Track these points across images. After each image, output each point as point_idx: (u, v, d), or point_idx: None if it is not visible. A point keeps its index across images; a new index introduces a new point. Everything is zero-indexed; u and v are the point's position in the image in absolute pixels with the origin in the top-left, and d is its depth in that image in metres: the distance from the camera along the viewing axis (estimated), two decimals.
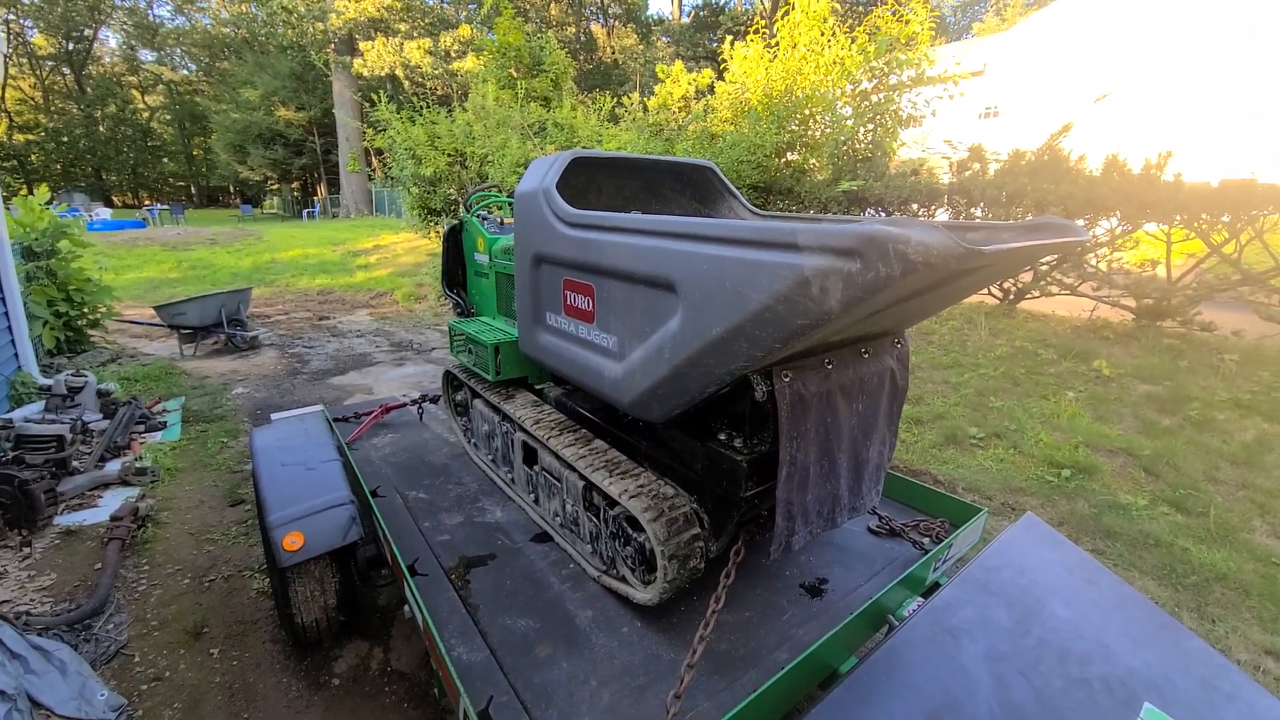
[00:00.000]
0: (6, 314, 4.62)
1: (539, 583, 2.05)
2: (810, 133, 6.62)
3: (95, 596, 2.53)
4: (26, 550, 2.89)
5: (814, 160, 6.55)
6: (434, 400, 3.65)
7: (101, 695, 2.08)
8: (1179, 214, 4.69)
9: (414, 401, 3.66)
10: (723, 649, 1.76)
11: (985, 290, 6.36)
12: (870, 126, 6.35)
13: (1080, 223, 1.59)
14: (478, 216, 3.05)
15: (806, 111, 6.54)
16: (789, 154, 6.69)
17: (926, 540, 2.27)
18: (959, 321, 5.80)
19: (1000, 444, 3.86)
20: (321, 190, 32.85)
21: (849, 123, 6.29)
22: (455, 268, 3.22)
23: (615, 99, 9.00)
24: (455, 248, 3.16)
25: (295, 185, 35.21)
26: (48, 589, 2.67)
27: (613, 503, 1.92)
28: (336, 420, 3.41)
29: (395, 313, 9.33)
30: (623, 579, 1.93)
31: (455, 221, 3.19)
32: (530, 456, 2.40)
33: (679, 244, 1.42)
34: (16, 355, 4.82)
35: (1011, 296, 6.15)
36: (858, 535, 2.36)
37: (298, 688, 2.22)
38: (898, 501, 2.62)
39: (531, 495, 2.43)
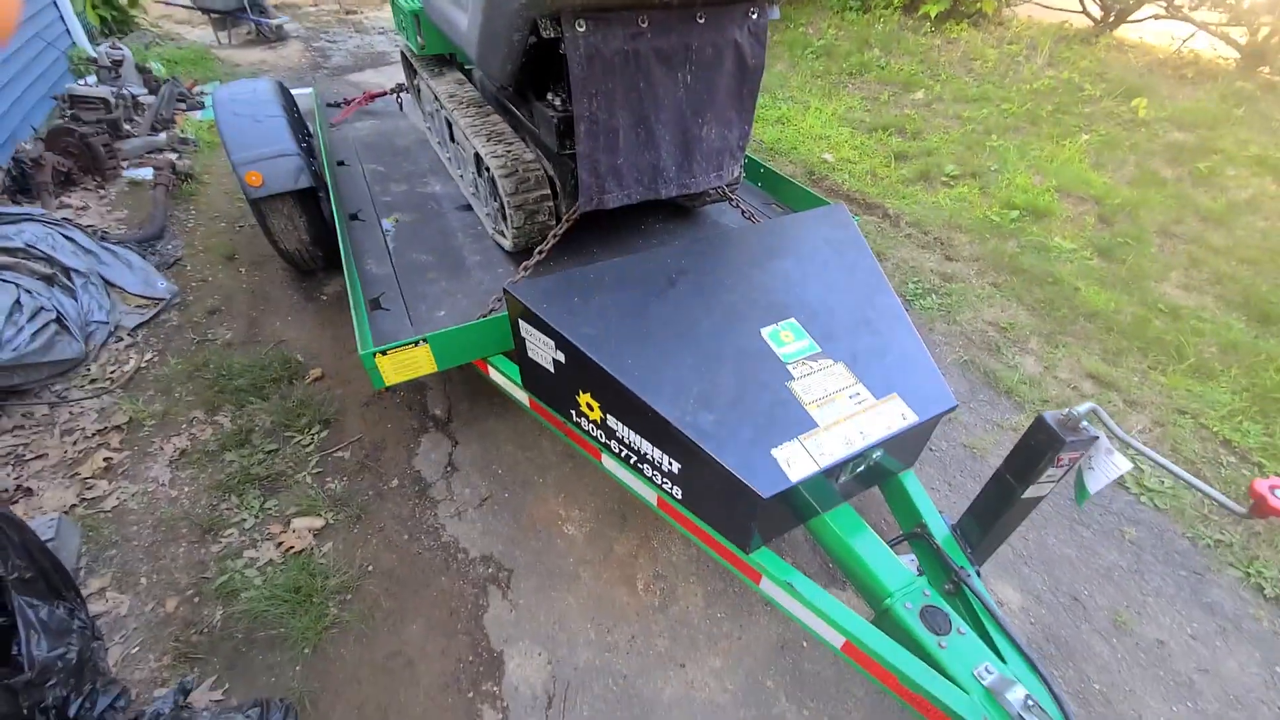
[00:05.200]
0: None
1: (449, 235, 2.53)
2: None
3: (153, 223, 3.33)
4: (102, 192, 3.68)
5: None
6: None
7: (162, 284, 2.95)
8: None
9: (394, 90, 3.85)
10: (568, 266, 2.23)
11: (1080, 7, 5.13)
12: None
13: None
14: None
15: None
16: None
17: None
18: (1021, 46, 4.88)
19: (971, 184, 3.72)
20: None
21: None
22: None
23: None
24: None
25: None
26: (121, 220, 3.50)
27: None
28: (329, 105, 3.72)
29: None
30: (500, 231, 2.37)
31: None
32: (453, 132, 2.67)
33: None
34: (69, 32, 5.17)
35: (1112, 18, 4.95)
36: (736, 220, 2.59)
37: (297, 298, 3.03)
38: (769, 195, 2.78)
39: (459, 171, 2.79)
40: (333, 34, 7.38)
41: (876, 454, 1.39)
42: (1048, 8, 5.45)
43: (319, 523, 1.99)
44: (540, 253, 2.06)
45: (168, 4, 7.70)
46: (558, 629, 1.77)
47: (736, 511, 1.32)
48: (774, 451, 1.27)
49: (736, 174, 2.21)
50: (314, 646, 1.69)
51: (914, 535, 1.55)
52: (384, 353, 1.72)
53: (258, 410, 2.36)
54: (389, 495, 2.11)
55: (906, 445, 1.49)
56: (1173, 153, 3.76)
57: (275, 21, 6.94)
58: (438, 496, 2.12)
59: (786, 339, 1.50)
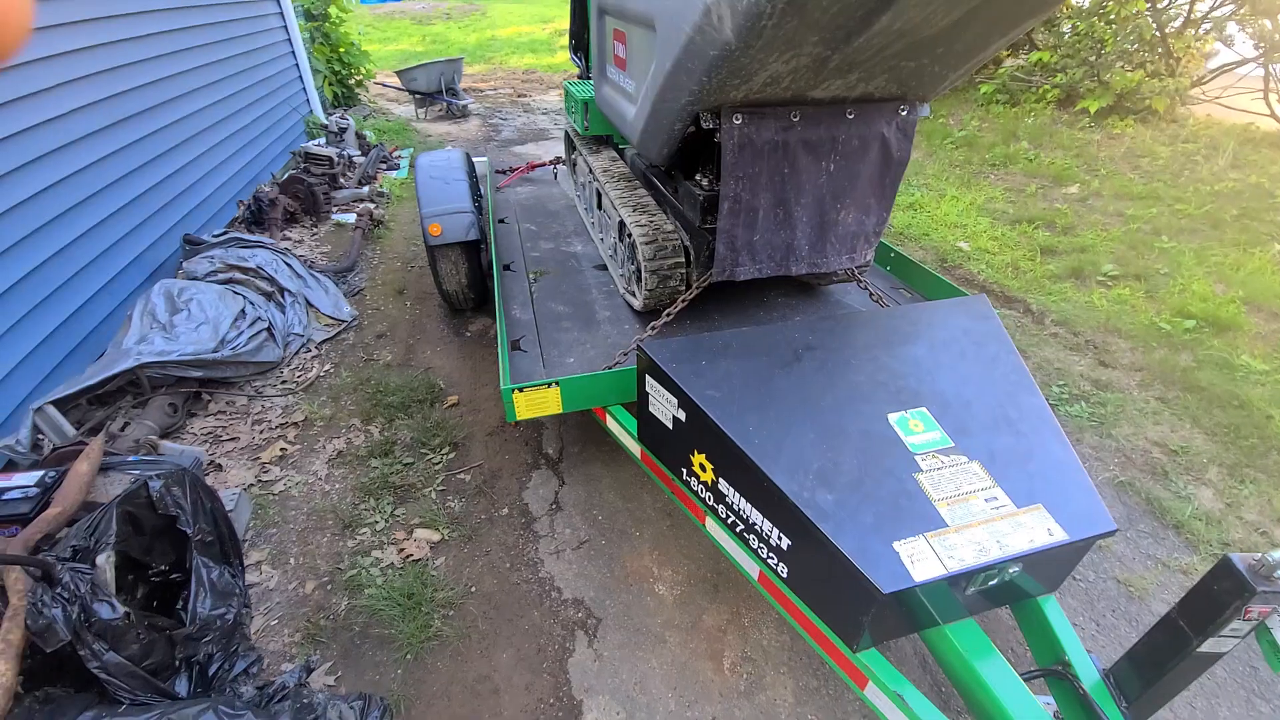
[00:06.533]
0: (298, 66, 6.16)
1: (584, 290, 2.77)
2: None
3: (348, 259, 3.97)
4: (315, 231, 4.48)
5: None
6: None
7: (346, 309, 3.48)
8: None
9: (551, 162, 4.38)
10: (690, 330, 2.34)
11: (1269, 110, 4.61)
12: None
13: None
14: None
15: None
16: None
17: None
18: (1199, 145, 4.45)
19: (1134, 286, 3.37)
20: None
21: None
22: (581, 30, 3.54)
23: None
24: (580, 9, 3.44)
25: None
26: (326, 253, 4.21)
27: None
28: (497, 172, 4.30)
29: None
30: (631, 292, 2.55)
31: None
32: (600, 201, 2.97)
33: None
34: (309, 101, 6.52)
35: None
36: (862, 301, 2.59)
37: (447, 332, 3.42)
38: (896, 279, 2.72)
39: (600, 235, 3.07)
40: (505, 113, 8.55)
41: (1014, 569, 1.27)
42: (1230, 108, 4.97)
43: (436, 536, 2.16)
44: (669, 314, 2.19)
45: (384, 86, 9.44)
46: (638, 691, 1.75)
47: (848, 603, 1.26)
48: (896, 545, 1.21)
49: (869, 257, 2.23)
50: (416, 654, 1.80)
51: (1053, 672, 1.37)
52: (520, 389, 1.90)
53: (402, 425, 2.66)
54: (498, 522, 2.25)
55: (1051, 566, 1.35)
56: None
57: (462, 102, 8.21)
58: (541, 531, 2.23)
59: (916, 428, 1.45)
